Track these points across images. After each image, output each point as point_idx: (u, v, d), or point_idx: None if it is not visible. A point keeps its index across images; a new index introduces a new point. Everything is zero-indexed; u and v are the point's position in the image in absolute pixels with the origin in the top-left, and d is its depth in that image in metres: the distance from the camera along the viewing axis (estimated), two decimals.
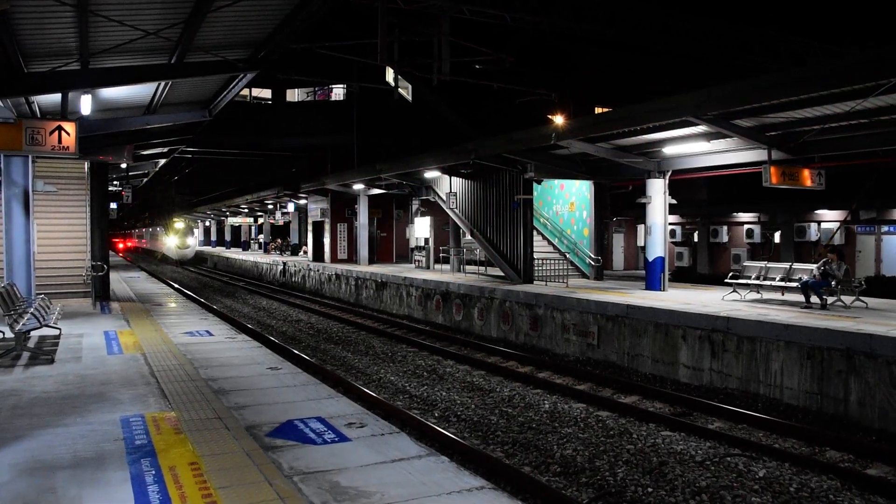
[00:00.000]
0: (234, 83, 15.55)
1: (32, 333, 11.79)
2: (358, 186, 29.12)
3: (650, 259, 18.02)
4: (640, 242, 30.90)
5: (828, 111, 11.94)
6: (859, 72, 9.65)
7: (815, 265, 14.16)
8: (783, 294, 15.16)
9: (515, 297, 17.58)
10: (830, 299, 13.76)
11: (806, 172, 14.16)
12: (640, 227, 29.67)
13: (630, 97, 24.09)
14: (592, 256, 21.73)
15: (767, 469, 8.37)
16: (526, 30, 25.24)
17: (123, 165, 26.24)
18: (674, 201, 17.97)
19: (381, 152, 30.79)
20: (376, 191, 29.62)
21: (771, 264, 15.66)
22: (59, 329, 12.51)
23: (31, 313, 11.39)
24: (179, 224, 57.28)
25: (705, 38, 25.77)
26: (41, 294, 14.96)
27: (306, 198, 36.90)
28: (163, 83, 14.64)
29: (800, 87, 10.60)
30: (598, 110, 30.71)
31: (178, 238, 56.65)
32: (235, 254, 52.18)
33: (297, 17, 11.41)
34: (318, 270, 31.68)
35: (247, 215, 55.09)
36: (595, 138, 16.20)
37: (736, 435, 9.56)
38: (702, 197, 29.59)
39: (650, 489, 7.87)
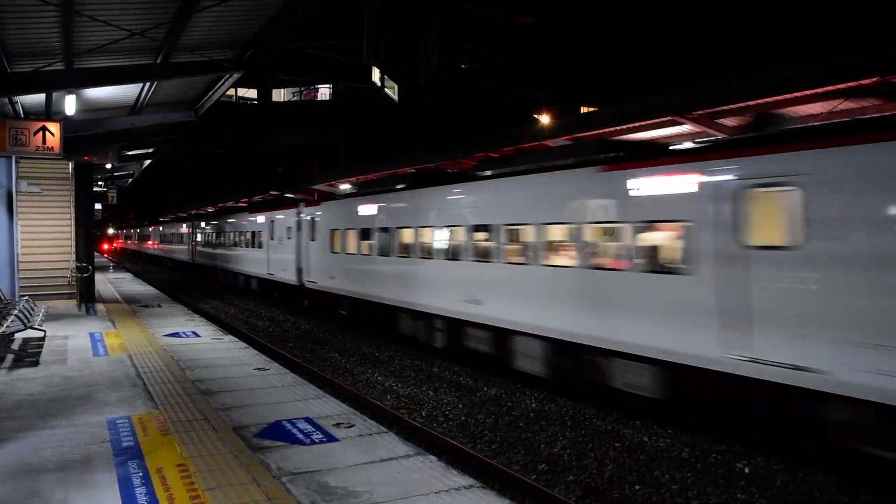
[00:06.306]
0: (220, 83, 15.48)
1: (17, 335, 11.70)
2: (344, 187, 29.03)
3: None
4: None
5: (811, 111, 12.06)
6: (827, 76, 9.73)
7: None
8: None
9: None
10: None
11: None
12: None
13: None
14: None
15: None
16: (527, 31, 25.33)
17: (108, 166, 26.09)
18: None
19: (376, 151, 30.76)
20: None
21: None
22: (44, 331, 12.42)
23: (16, 315, 11.31)
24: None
25: (707, 41, 25.97)
26: (25, 296, 14.86)
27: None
28: (148, 83, 14.55)
29: (780, 88, 10.70)
30: (583, 110, 30.83)
31: None
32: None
33: (285, 18, 11.38)
34: None
35: None
36: (581, 138, 16.23)
37: None
38: None
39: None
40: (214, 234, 35.92)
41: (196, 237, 40.87)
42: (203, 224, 39.10)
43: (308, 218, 22.09)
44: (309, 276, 21.79)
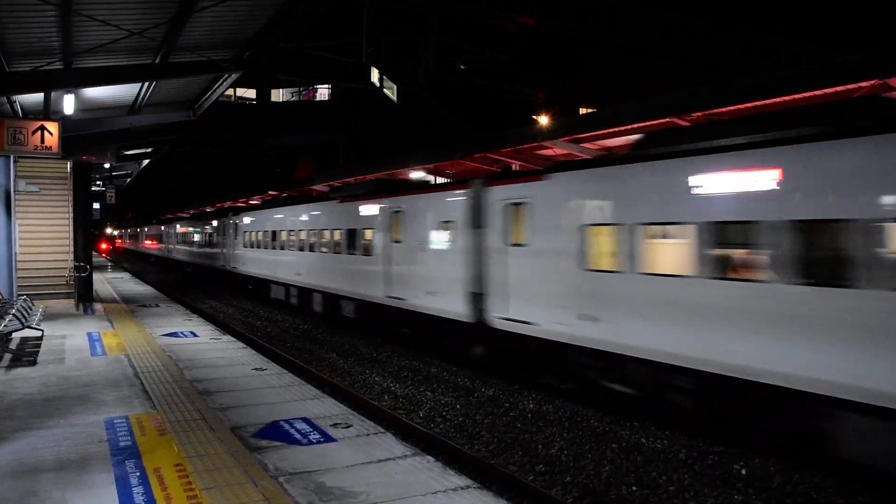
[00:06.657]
0: (218, 83, 15.50)
1: (14, 335, 11.69)
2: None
3: None
4: None
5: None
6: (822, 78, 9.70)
7: None
8: None
9: None
10: None
11: None
12: None
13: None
14: None
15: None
16: (527, 31, 25.38)
17: (107, 165, 26.09)
18: None
19: (377, 151, 30.82)
20: None
21: None
22: (42, 330, 12.40)
23: (13, 314, 11.30)
24: None
25: (707, 41, 26.03)
26: (23, 295, 14.85)
27: None
28: (147, 83, 14.56)
29: (780, 88, 10.68)
30: (583, 110, 30.88)
31: None
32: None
33: (285, 18, 11.39)
34: None
35: None
36: (581, 139, 16.24)
37: None
38: None
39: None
40: (271, 235, 25.80)
41: (236, 237, 30.39)
42: (248, 220, 28.79)
43: (503, 205, 12.77)
44: (507, 311, 12.48)
